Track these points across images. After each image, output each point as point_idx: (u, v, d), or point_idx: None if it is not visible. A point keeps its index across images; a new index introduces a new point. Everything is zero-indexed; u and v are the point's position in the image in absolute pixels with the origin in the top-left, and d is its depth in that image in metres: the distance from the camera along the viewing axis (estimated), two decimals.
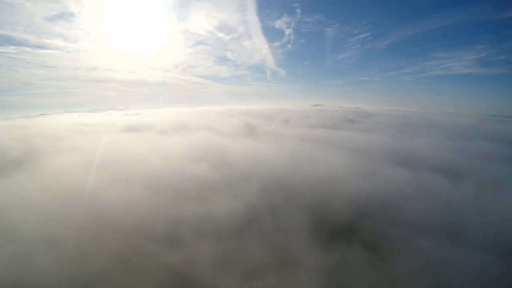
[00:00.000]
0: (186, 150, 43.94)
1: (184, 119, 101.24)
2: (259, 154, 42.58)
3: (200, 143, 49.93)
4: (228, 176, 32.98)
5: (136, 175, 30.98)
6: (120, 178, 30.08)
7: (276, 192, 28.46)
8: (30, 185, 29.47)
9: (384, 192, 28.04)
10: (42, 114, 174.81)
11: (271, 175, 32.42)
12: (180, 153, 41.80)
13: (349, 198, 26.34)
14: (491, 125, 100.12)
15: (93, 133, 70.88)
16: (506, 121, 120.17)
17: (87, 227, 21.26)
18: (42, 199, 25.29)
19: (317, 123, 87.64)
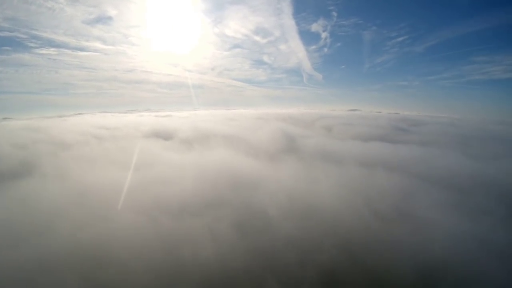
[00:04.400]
0: (192, 186, 27.42)
1: (214, 124, 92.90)
2: (311, 196, 25.82)
3: (217, 170, 33.03)
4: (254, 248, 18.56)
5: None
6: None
7: None
8: None
9: None
10: (79, 114, 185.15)
11: (341, 244, 18.83)
12: (180, 193, 25.20)
13: None
14: None
15: (108, 139, 63.99)
16: None
17: None
18: None
19: (366, 133, 75.17)
